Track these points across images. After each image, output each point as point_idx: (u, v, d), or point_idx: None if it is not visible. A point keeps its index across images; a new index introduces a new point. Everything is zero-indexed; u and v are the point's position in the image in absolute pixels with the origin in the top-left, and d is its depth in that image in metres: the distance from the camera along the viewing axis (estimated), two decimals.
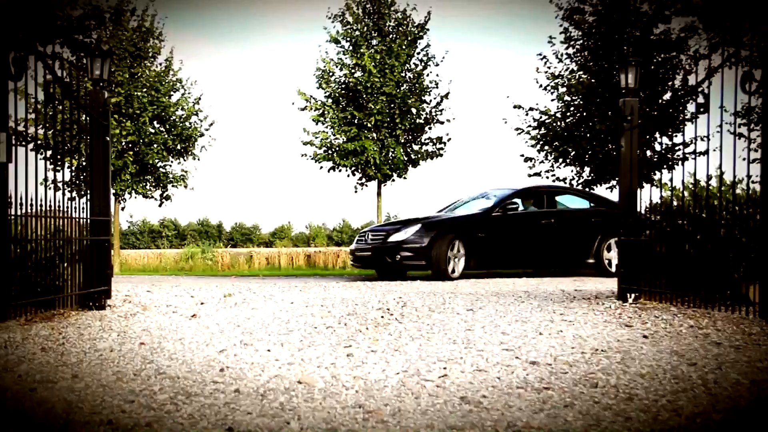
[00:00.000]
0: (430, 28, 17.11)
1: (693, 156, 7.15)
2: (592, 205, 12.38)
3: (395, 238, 11.05)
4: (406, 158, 16.24)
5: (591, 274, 11.82)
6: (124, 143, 15.86)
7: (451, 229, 11.04)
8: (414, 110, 16.00)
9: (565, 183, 15.55)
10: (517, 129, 15.45)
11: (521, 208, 11.86)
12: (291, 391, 3.19)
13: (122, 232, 40.41)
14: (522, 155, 15.59)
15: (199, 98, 16.94)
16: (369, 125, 15.79)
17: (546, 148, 15.26)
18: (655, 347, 4.33)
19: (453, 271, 10.90)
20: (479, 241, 11.17)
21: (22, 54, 5.41)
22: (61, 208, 6.11)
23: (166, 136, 16.37)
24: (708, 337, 4.72)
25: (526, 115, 15.33)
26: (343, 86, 16.07)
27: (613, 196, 20.34)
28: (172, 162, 16.94)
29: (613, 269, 11.95)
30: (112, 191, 15.58)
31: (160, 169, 16.65)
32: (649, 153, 14.41)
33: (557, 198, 12.42)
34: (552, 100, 15.33)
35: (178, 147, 16.66)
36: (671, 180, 6.77)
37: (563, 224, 11.96)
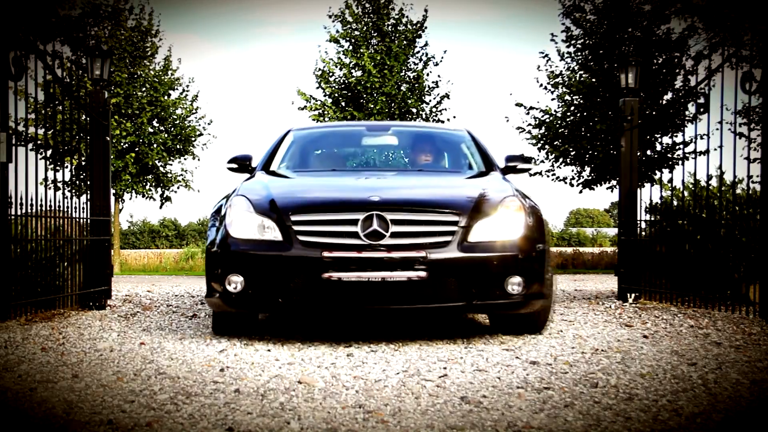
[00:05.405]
0: (431, 28, 17.13)
1: (693, 156, 7.15)
2: None
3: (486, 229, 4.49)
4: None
5: None
6: (123, 143, 15.83)
7: None
8: (414, 110, 15.97)
9: (565, 182, 15.50)
10: (518, 128, 15.45)
11: None
12: (291, 391, 3.18)
13: (122, 232, 40.35)
14: (522, 154, 15.59)
15: (197, 95, 16.89)
16: None
17: (546, 147, 15.25)
18: (655, 347, 4.33)
19: None
20: None
21: (22, 53, 5.41)
22: (61, 208, 6.11)
23: (166, 136, 16.33)
24: (708, 337, 4.72)
25: (527, 114, 15.32)
26: (342, 86, 16.05)
27: (614, 196, 20.19)
28: (172, 163, 16.90)
29: None
30: (113, 191, 15.55)
31: (160, 170, 16.61)
32: (649, 152, 14.40)
33: None
34: (552, 99, 15.32)
35: (178, 147, 16.61)
36: (671, 180, 6.77)
37: None
